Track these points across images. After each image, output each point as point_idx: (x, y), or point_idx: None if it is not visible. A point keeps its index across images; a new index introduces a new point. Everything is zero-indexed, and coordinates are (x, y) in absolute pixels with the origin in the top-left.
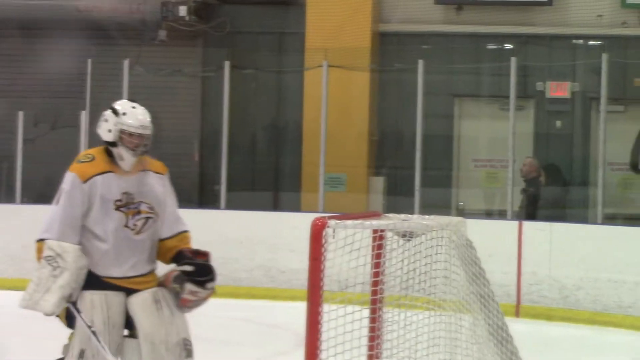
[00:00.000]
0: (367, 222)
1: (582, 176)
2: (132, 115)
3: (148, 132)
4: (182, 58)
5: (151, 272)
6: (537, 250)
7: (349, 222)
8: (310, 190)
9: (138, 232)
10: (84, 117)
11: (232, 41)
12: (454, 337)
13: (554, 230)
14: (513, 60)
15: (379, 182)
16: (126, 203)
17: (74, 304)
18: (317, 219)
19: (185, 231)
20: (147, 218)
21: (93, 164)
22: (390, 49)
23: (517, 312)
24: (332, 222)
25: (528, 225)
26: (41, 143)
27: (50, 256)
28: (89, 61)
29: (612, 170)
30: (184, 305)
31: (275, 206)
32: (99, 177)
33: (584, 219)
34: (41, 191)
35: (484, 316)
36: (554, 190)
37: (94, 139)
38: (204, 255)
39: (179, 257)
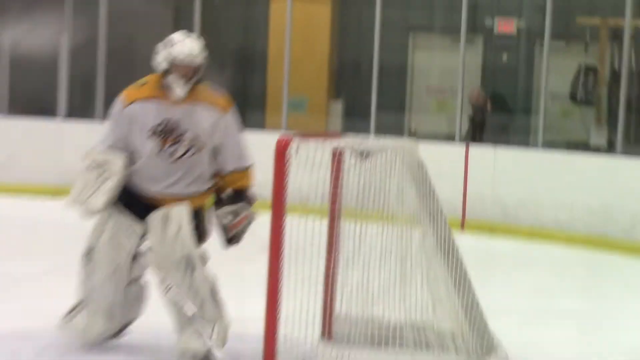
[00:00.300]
0: (328, 141)
1: (525, 105)
2: (182, 45)
3: (197, 62)
4: None
5: (191, 195)
6: (482, 171)
7: (311, 141)
8: (274, 112)
9: (176, 158)
10: (65, 39)
11: None
12: (405, 248)
13: (497, 153)
14: None
15: (337, 106)
16: (165, 130)
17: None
18: (282, 137)
19: (244, 168)
20: (189, 147)
21: (141, 89)
22: None
23: (463, 226)
24: (295, 140)
25: (474, 148)
26: (28, 62)
27: (96, 162)
28: None
29: (553, 100)
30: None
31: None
32: (140, 103)
33: (525, 144)
34: (27, 105)
35: (433, 229)
36: (499, 117)
37: (74, 62)
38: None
39: (235, 195)
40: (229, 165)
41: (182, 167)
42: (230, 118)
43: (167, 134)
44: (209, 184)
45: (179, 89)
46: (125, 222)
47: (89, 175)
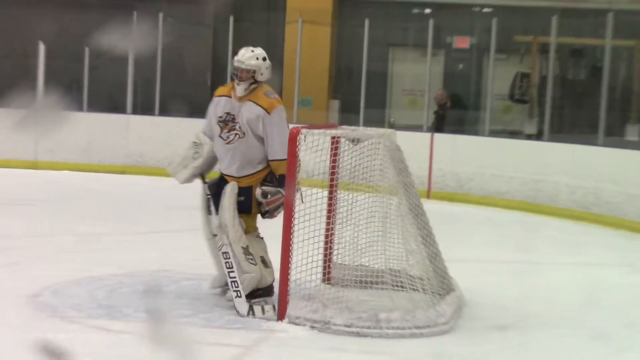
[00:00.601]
0: (328, 131)
1: (476, 103)
2: (238, 53)
3: (243, 66)
4: (200, 13)
5: (244, 177)
6: (443, 153)
7: (316, 131)
8: (288, 108)
9: (228, 143)
10: (131, 52)
11: (235, 1)
12: (386, 211)
13: (455, 139)
14: (430, 21)
15: (335, 104)
16: (225, 120)
17: (204, 178)
18: (294, 128)
19: (279, 160)
20: (236, 134)
21: (222, 89)
22: (346, 10)
23: (429, 195)
24: (304, 130)
25: (438, 136)
26: (103, 70)
27: (196, 143)
28: (134, 13)
29: (496, 100)
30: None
31: None
32: (218, 97)
33: (476, 133)
34: (102, 104)
35: (407, 197)
36: (457, 112)
37: (138, 69)
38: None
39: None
40: (269, 156)
41: (231, 151)
42: (271, 118)
43: (225, 122)
44: (260, 167)
45: (236, 88)
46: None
47: (188, 151)
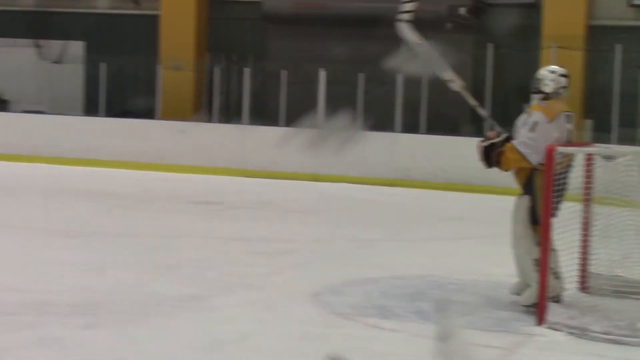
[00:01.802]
0: (583, 149)
1: None
2: None
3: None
4: (462, 41)
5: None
6: None
7: (571, 148)
8: None
9: None
10: (400, 80)
11: (493, 29)
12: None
13: None
14: None
15: (588, 124)
16: None
17: None
18: (549, 145)
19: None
20: None
21: None
22: (597, 36)
23: None
24: (559, 148)
25: None
26: (374, 93)
27: None
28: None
29: None
30: None
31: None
32: None
33: None
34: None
35: None
36: None
37: (405, 92)
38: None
39: None
40: None
41: None
42: (530, 118)
43: None
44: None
45: None
46: None
47: None
